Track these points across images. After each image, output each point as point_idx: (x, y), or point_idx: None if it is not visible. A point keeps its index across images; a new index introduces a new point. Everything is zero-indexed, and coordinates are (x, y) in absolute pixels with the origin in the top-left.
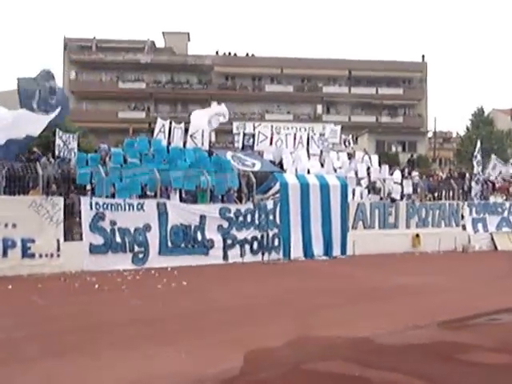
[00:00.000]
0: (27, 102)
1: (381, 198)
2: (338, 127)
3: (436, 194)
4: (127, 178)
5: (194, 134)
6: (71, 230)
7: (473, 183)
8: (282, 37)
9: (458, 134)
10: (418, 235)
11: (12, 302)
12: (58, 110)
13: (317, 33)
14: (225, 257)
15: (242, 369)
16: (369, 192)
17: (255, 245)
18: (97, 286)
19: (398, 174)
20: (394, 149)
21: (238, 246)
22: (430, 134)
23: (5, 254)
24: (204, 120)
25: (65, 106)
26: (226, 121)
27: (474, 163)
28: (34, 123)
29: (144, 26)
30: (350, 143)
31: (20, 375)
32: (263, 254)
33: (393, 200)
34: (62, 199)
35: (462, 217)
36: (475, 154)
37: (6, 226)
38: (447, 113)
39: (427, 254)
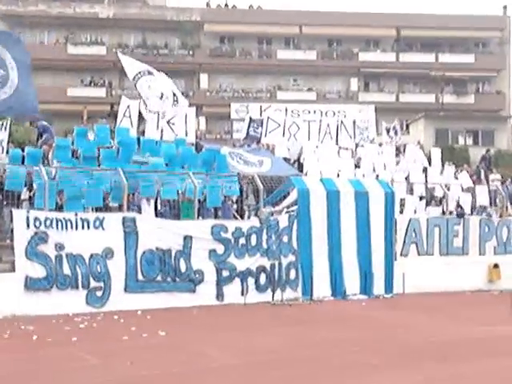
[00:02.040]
0: None
1: (443, 212)
2: (372, 107)
3: None
4: (80, 182)
5: (172, 120)
6: None
7: None
8: None
9: None
10: (496, 265)
11: None
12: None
13: None
14: (219, 295)
15: None
16: (426, 203)
17: (262, 278)
18: (35, 337)
19: (467, 178)
20: (461, 141)
21: (237, 280)
22: None
23: None
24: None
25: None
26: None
27: None
28: None
29: None
30: (397, 133)
31: None
32: (274, 292)
33: (460, 215)
34: None
35: None
36: None
37: None
38: None
39: (510, 292)
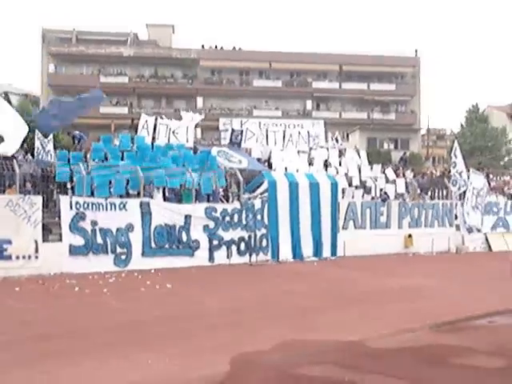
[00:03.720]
0: None
1: (372, 198)
2: (321, 121)
3: (429, 193)
4: (109, 175)
5: (177, 130)
6: (50, 231)
7: (450, 185)
8: (271, 30)
9: (451, 131)
10: (410, 236)
11: None
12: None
13: (306, 26)
14: (211, 258)
15: (228, 373)
16: (363, 194)
17: (242, 246)
18: (77, 288)
19: (390, 173)
20: (386, 146)
21: (224, 247)
22: (423, 132)
23: None
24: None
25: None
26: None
27: (452, 166)
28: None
29: (127, 17)
30: (340, 139)
31: None
32: (250, 256)
33: (384, 200)
34: (40, 198)
35: (456, 217)
36: (452, 153)
37: None
38: (441, 110)
39: (420, 255)
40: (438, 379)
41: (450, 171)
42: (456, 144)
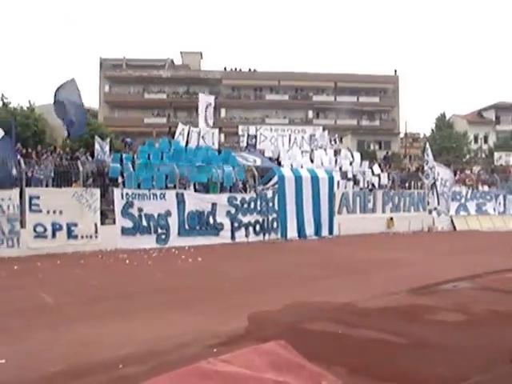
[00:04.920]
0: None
1: (361, 188)
2: (326, 132)
3: (407, 184)
4: (151, 172)
5: (205, 135)
6: (106, 216)
7: (423, 178)
8: (279, 54)
9: (424, 134)
10: (392, 218)
11: (60, 274)
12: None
13: (308, 51)
14: (232, 237)
15: (247, 328)
16: (353, 185)
17: (258, 227)
18: (127, 261)
19: (377, 168)
20: (372, 147)
21: (243, 229)
22: (401, 135)
23: (54, 235)
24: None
25: (82, 124)
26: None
27: (424, 163)
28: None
29: (165, 46)
30: (335, 142)
31: (65, 334)
32: (264, 235)
33: (371, 190)
34: (98, 190)
35: (428, 203)
36: (425, 153)
37: (55, 212)
38: (416, 116)
39: (399, 233)
40: (413, 332)
41: (423, 167)
42: (427, 145)
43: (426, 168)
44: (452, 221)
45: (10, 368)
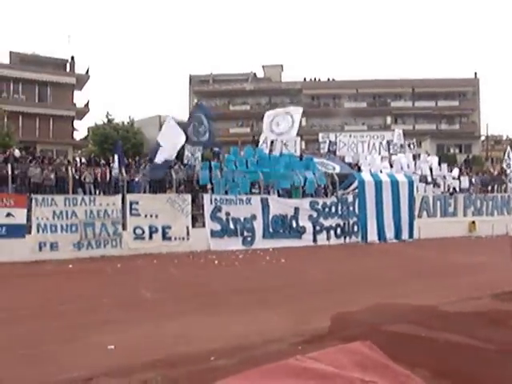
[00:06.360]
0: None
1: (442, 192)
2: (402, 135)
3: (489, 188)
4: (238, 178)
5: (288, 143)
6: (197, 219)
7: (507, 181)
8: (357, 62)
9: (507, 136)
10: (473, 222)
11: (156, 273)
12: (206, 136)
13: (384, 57)
14: (314, 240)
15: (329, 327)
16: (434, 187)
17: (339, 230)
18: (216, 262)
19: (456, 172)
20: (452, 151)
21: (324, 232)
22: (482, 138)
23: (150, 237)
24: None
25: (212, 134)
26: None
27: (504, 165)
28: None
29: (248, 60)
30: (414, 146)
31: (163, 327)
32: (345, 238)
33: (452, 193)
34: (189, 196)
35: None
36: (506, 156)
37: (151, 216)
38: (499, 119)
39: (482, 238)
40: (500, 337)
41: (506, 170)
42: (509, 148)
43: (508, 171)
44: None
45: (119, 354)
